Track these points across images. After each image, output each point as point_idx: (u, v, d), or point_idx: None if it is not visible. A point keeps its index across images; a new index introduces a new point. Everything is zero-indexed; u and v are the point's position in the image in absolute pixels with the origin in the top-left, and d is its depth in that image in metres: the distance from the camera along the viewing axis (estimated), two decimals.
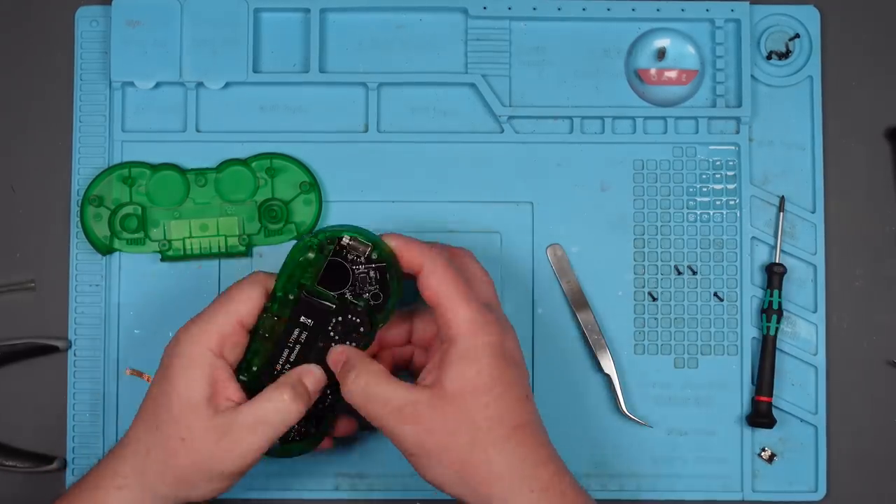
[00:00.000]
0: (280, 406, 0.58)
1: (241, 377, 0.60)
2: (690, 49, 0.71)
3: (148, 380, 0.69)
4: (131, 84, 0.70)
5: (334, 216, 0.70)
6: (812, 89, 0.71)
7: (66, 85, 0.71)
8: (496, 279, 0.69)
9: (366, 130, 0.71)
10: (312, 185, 0.69)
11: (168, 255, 0.69)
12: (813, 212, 0.70)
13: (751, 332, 0.70)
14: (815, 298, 0.70)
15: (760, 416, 0.68)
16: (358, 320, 0.60)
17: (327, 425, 0.63)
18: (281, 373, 0.60)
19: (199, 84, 0.70)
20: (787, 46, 0.71)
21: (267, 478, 0.69)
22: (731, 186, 0.70)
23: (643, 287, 0.70)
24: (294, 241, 0.66)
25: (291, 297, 0.60)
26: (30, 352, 0.70)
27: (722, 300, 0.69)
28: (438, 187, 0.70)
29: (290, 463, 0.69)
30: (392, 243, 0.59)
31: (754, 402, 0.69)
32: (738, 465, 0.69)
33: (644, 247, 0.70)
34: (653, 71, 0.71)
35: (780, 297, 0.68)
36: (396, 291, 0.60)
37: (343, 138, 0.70)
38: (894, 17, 0.72)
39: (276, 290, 0.60)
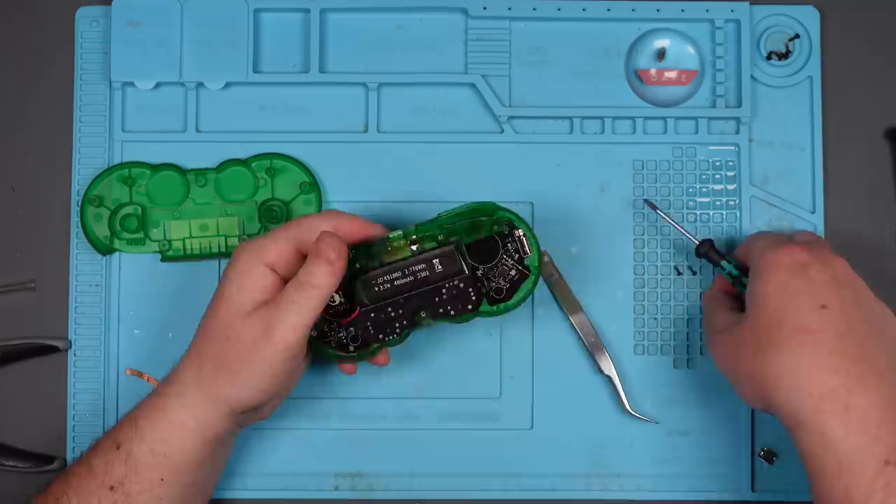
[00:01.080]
0: (304, 290, 0.59)
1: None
2: (690, 49, 0.71)
3: (148, 380, 0.69)
4: (131, 84, 0.70)
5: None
6: (812, 89, 0.71)
7: (66, 85, 0.71)
8: None
9: (366, 130, 0.71)
10: (312, 186, 0.69)
11: (168, 256, 0.69)
12: (813, 212, 0.70)
13: None
14: None
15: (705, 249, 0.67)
16: (473, 297, 0.62)
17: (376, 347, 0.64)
18: (379, 286, 0.62)
19: (199, 84, 0.70)
20: (787, 47, 0.71)
21: (267, 478, 0.69)
22: (731, 187, 0.70)
23: (643, 287, 0.70)
24: None
25: (441, 238, 0.63)
26: (30, 352, 0.70)
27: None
28: (438, 187, 0.70)
29: (290, 463, 0.69)
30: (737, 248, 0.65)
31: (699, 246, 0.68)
32: (738, 465, 0.69)
33: (644, 247, 0.70)
34: (653, 71, 0.71)
35: (731, 261, 0.66)
36: (516, 302, 0.63)
37: (343, 138, 0.70)
38: (894, 17, 0.72)
39: (440, 221, 0.63)
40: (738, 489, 0.69)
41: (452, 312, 0.63)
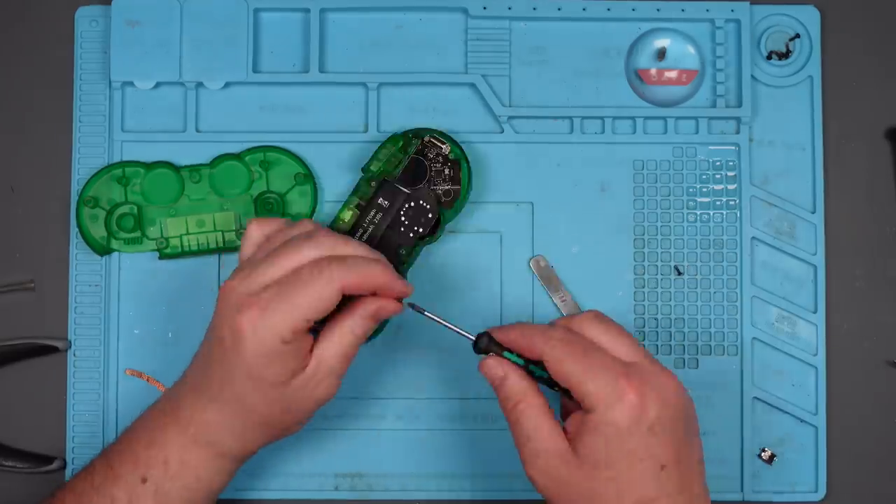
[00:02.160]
0: (346, 349, 0.59)
1: None
2: (690, 49, 0.71)
3: (148, 380, 0.69)
4: (131, 84, 0.70)
5: (334, 215, 0.70)
6: (812, 89, 0.71)
7: (66, 85, 0.71)
8: (496, 279, 0.70)
9: (366, 130, 0.70)
10: (307, 177, 0.69)
11: (166, 253, 0.69)
12: (813, 212, 0.70)
13: (751, 332, 0.70)
14: (815, 298, 0.70)
15: None
16: (427, 206, 0.66)
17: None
18: None
19: (199, 84, 0.70)
20: (787, 46, 0.71)
21: (267, 478, 0.69)
22: (731, 187, 0.70)
23: (643, 287, 0.70)
24: None
25: (374, 184, 0.66)
26: (30, 352, 0.70)
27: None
28: None
29: (290, 463, 0.69)
30: (511, 335, 0.59)
31: None
32: (738, 465, 0.69)
33: (644, 247, 0.70)
34: (653, 71, 0.71)
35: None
36: (466, 190, 0.67)
37: (343, 138, 0.70)
38: (894, 17, 0.72)
39: (363, 177, 0.67)
40: (737, 489, 0.69)
41: (421, 230, 0.66)
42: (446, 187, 0.67)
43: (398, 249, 0.66)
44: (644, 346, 0.67)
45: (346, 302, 0.58)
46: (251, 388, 0.58)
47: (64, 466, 0.69)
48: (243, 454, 0.61)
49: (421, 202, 0.66)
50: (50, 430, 0.70)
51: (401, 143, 0.67)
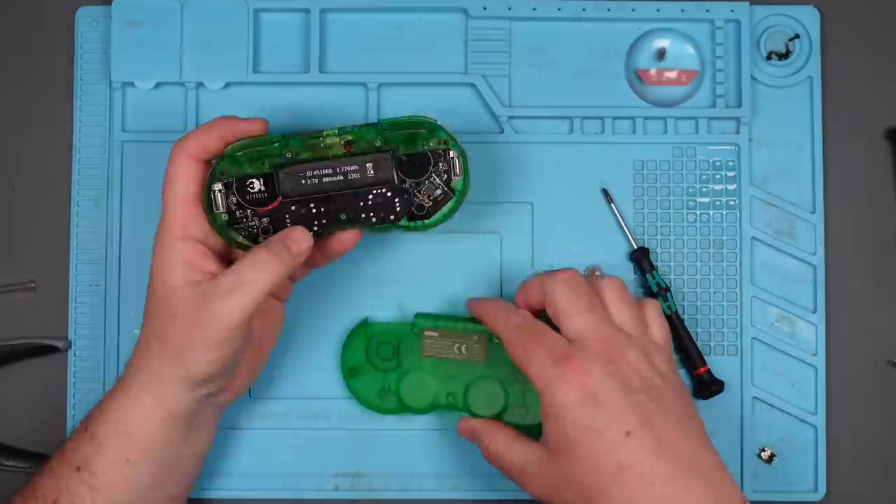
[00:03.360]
0: (257, 267, 0.58)
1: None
2: (690, 49, 0.71)
3: None
4: (131, 84, 0.70)
5: None
6: (812, 89, 0.71)
7: (66, 85, 0.71)
8: (496, 280, 0.70)
9: None
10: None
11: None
12: (813, 212, 0.70)
13: (751, 332, 0.70)
14: (814, 298, 0.70)
15: (706, 386, 0.68)
16: (398, 208, 0.62)
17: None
18: (309, 180, 0.61)
19: (199, 84, 0.70)
20: (787, 47, 0.71)
21: (267, 478, 0.69)
22: (731, 187, 0.70)
23: (643, 287, 0.70)
24: None
25: (379, 143, 0.62)
26: (30, 352, 0.70)
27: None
28: None
29: (290, 463, 0.69)
30: (478, 311, 0.63)
31: (694, 377, 0.69)
32: (738, 465, 0.69)
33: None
34: (653, 71, 0.71)
35: (656, 276, 0.68)
36: (435, 222, 0.63)
37: None
38: (894, 17, 0.72)
39: (382, 126, 0.62)
40: None
41: (374, 220, 0.62)
42: (435, 195, 0.63)
43: (340, 213, 0.62)
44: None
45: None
46: (150, 294, 0.60)
47: None
48: (166, 382, 0.59)
49: (396, 201, 0.62)
50: (50, 430, 0.70)
51: (428, 127, 0.63)
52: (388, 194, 0.62)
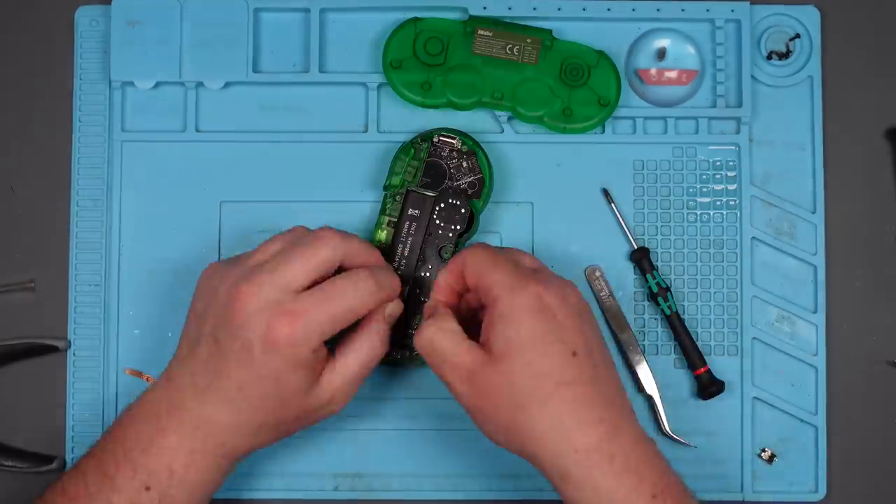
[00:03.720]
0: (357, 364, 0.61)
1: None
2: (690, 49, 0.71)
3: (148, 380, 0.69)
4: (131, 84, 0.70)
5: (336, 215, 0.70)
6: (812, 89, 0.71)
7: (65, 85, 0.71)
8: None
9: (366, 130, 0.70)
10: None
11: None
12: (813, 212, 0.70)
13: (751, 332, 0.70)
14: (815, 298, 0.70)
15: (706, 386, 0.68)
16: (458, 203, 0.66)
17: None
18: (398, 269, 0.66)
19: (199, 84, 0.70)
20: (787, 46, 0.71)
21: (267, 478, 0.69)
22: (731, 187, 0.70)
23: (643, 287, 0.70)
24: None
25: (399, 197, 0.67)
26: (29, 352, 0.70)
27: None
28: None
29: (290, 463, 0.69)
30: (439, 280, 0.63)
31: (695, 378, 0.69)
32: (738, 465, 0.69)
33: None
34: (653, 71, 0.71)
35: (656, 277, 0.68)
36: (489, 176, 0.67)
37: (343, 138, 0.70)
38: (894, 17, 0.72)
39: (387, 194, 0.67)
40: (737, 489, 0.69)
41: (458, 227, 0.66)
42: (469, 179, 0.67)
43: (441, 252, 0.66)
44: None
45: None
46: (273, 393, 0.59)
47: (63, 466, 0.69)
48: (246, 454, 0.61)
49: (450, 201, 0.67)
50: (49, 429, 0.70)
51: (412, 151, 0.68)
52: (443, 204, 0.67)
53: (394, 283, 0.62)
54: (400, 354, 0.67)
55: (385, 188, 0.67)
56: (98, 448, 0.61)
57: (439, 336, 0.59)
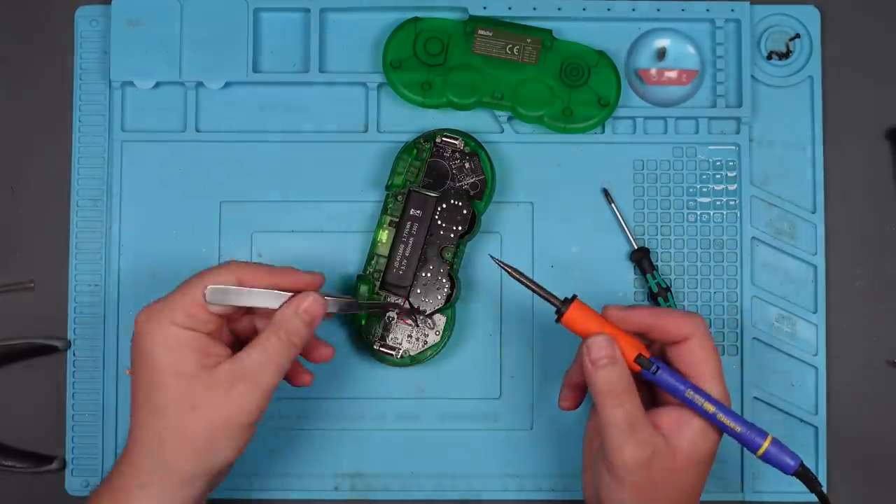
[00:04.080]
0: (269, 355, 0.57)
1: (364, 280, 0.67)
2: (690, 49, 0.71)
3: None
4: (131, 84, 0.70)
5: (334, 216, 0.70)
6: (812, 89, 0.71)
7: (65, 85, 0.71)
8: (496, 281, 0.69)
9: (366, 130, 0.70)
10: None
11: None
12: (813, 212, 0.70)
13: (751, 332, 0.70)
14: (815, 298, 0.70)
15: None
16: (459, 204, 0.67)
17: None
18: (398, 270, 0.67)
19: (199, 84, 0.70)
20: (787, 46, 0.71)
21: (267, 478, 0.69)
22: (731, 187, 0.70)
23: (643, 287, 0.70)
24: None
25: (401, 197, 0.67)
26: (29, 352, 0.70)
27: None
28: None
29: (290, 463, 0.69)
30: (643, 316, 0.59)
31: None
32: (738, 465, 0.69)
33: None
34: (653, 71, 0.71)
35: (656, 277, 0.69)
36: (490, 177, 0.68)
37: (343, 138, 0.70)
38: (894, 17, 0.72)
39: (388, 194, 0.67)
40: (737, 489, 0.69)
41: (460, 228, 0.67)
42: (471, 180, 0.68)
43: (443, 253, 0.67)
44: None
45: None
46: (156, 388, 0.56)
47: (63, 466, 0.69)
48: (184, 481, 0.57)
49: (452, 202, 0.67)
50: (50, 430, 0.70)
51: (414, 151, 0.68)
52: (444, 205, 0.67)
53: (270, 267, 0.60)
54: (385, 356, 0.67)
55: (387, 188, 0.67)
56: None
57: (629, 400, 0.57)
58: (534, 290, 0.59)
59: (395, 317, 0.67)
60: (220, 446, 0.57)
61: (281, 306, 0.58)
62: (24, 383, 0.70)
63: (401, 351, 0.67)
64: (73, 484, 0.69)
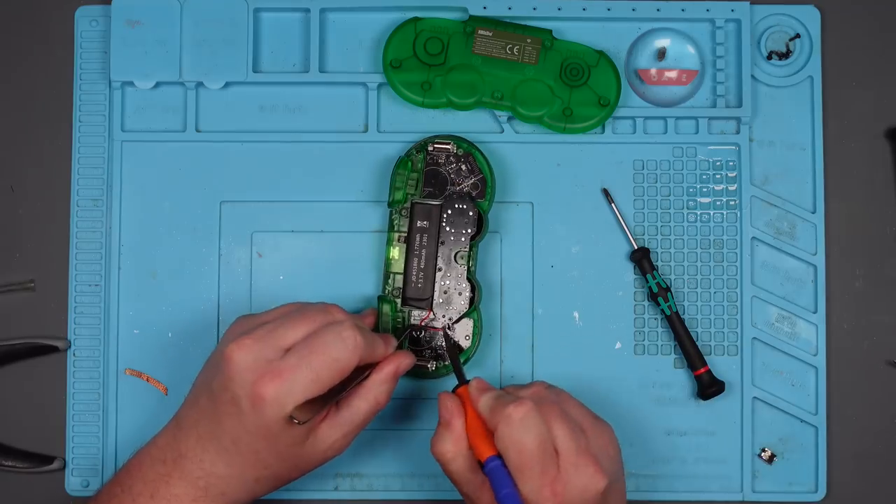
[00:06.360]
0: (359, 417, 0.61)
1: (386, 300, 0.67)
2: (690, 49, 0.71)
3: (147, 380, 0.69)
4: (131, 84, 0.70)
5: (334, 216, 0.70)
6: (812, 89, 0.71)
7: (66, 85, 0.71)
8: (496, 280, 0.70)
9: (366, 130, 0.70)
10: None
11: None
12: (813, 212, 0.70)
13: (751, 332, 0.70)
14: (815, 298, 0.70)
15: (707, 386, 0.68)
16: (464, 206, 0.67)
17: None
18: (416, 283, 0.67)
19: (199, 84, 0.70)
20: (787, 46, 0.71)
21: None
22: (731, 187, 0.70)
23: (643, 287, 0.70)
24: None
25: (405, 211, 0.67)
26: (29, 352, 0.70)
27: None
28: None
29: None
30: (480, 402, 0.60)
31: (695, 378, 0.69)
32: (738, 466, 0.69)
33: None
34: (653, 71, 0.71)
35: (656, 277, 0.69)
36: (489, 174, 0.68)
37: (343, 138, 0.70)
38: (894, 17, 0.72)
39: (392, 211, 0.67)
40: (737, 489, 0.69)
41: (469, 230, 0.67)
42: (471, 180, 0.68)
43: (456, 258, 0.67)
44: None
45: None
46: (265, 447, 0.59)
47: (64, 466, 0.69)
48: (249, 502, 0.62)
49: (457, 206, 0.67)
50: (50, 430, 0.70)
51: (409, 164, 0.68)
52: (450, 210, 0.67)
53: (380, 342, 0.61)
54: (421, 370, 0.68)
55: (389, 205, 0.68)
56: (105, 493, 0.61)
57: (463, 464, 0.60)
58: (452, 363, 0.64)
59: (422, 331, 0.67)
60: (285, 479, 0.62)
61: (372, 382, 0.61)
62: (24, 383, 0.70)
63: (434, 364, 0.68)
64: (73, 484, 0.69)
